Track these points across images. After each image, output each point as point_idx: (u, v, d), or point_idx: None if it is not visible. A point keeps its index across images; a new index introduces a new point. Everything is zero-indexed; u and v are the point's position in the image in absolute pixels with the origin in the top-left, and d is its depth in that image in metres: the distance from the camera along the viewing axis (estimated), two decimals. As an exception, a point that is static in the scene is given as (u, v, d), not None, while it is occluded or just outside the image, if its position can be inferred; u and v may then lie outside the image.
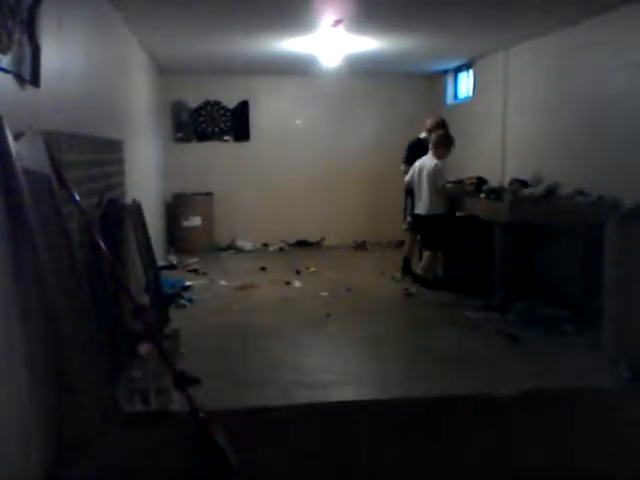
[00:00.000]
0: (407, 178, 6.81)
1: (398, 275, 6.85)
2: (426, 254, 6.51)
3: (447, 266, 6.64)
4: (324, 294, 6.27)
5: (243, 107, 9.10)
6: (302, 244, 9.24)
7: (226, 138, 9.09)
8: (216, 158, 8.97)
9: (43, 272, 2.47)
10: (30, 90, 2.74)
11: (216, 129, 9.07)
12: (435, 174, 6.30)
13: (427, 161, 6.44)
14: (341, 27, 5.42)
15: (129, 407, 3.37)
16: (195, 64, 8.00)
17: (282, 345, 4.72)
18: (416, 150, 6.88)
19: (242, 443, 3.10)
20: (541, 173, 5.66)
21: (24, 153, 2.43)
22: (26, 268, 2.43)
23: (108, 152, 4.48)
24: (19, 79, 2.60)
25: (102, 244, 3.20)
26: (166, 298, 5.35)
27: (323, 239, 9.19)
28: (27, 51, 2.67)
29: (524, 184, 5.84)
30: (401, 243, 9.14)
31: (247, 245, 9.01)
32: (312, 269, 7.46)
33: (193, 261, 7.90)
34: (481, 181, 6.45)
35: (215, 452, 2.78)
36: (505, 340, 4.73)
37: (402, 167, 7.14)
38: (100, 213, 3.87)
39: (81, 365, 2.66)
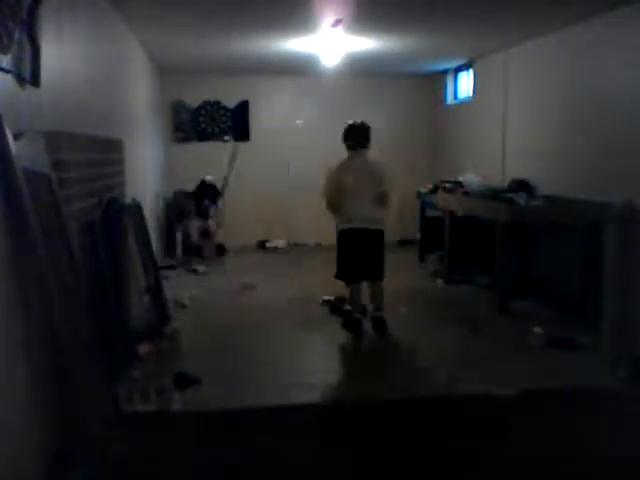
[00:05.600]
0: None
1: None
2: None
3: (450, 266, 6.68)
4: (324, 294, 6.27)
5: (243, 107, 9.10)
6: (301, 245, 9.24)
7: (226, 138, 9.09)
8: (216, 158, 8.96)
9: (43, 272, 2.47)
10: (30, 90, 2.73)
11: (216, 129, 9.06)
12: None
13: None
14: (341, 27, 5.42)
15: (129, 407, 3.37)
16: (195, 64, 8.00)
17: (282, 345, 4.72)
18: None
19: (242, 443, 3.10)
20: None
21: (24, 153, 2.43)
22: (26, 268, 2.43)
23: (108, 152, 4.48)
24: (19, 79, 2.60)
25: (102, 244, 3.21)
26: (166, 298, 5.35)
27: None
28: (27, 51, 2.67)
29: (523, 185, 5.85)
30: (402, 243, 9.17)
31: (279, 244, 9.07)
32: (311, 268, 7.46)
33: (193, 261, 7.89)
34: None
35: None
36: (504, 339, 4.73)
37: None
38: (100, 213, 3.87)
39: (81, 365, 2.66)
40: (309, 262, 7.94)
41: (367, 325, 4.98)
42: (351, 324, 4.95)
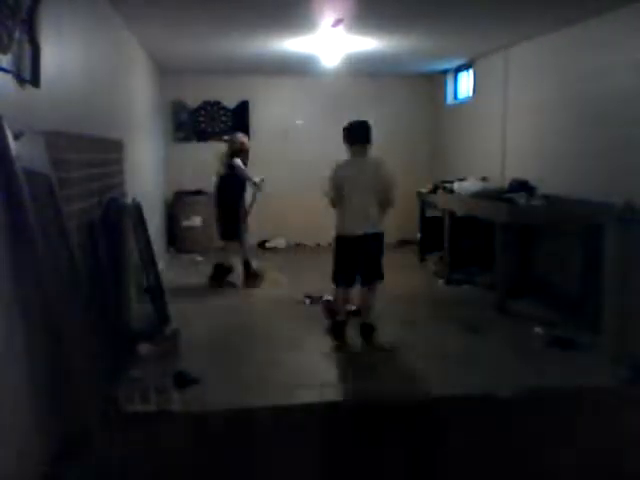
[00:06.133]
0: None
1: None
2: None
3: (450, 266, 6.67)
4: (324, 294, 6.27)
5: (243, 107, 9.10)
6: (301, 245, 9.24)
7: (226, 138, 9.07)
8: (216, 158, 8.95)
9: (43, 272, 2.47)
10: (30, 90, 2.73)
11: (216, 129, 9.06)
12: None
13: None
14: (341, 27, 5.42)
15: (129, 407, 3.37)
16: (195, 64, 8.00)
17: (282, 345, 4.72)
18: None
19: (242, 443, 3.10)
20: None
21: (24, 153, 2.43)
22: (26, 268, 2.43)
23: (108, 152, 4.48)
24: (19, 79, 2.60)
25: (102, 244, 3.21)
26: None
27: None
28: (27, 51, 2.67)
29: (523, 185, 5.85)
30: (402, 243, 9.17)
31: (279, 244, 9.12)
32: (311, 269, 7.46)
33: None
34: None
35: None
36: (504, 339, 4.73)
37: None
38: (100, 213, 3.87)
39: (81, 365, 2.66)
40: (309, 262, 7.94)
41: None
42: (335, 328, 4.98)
